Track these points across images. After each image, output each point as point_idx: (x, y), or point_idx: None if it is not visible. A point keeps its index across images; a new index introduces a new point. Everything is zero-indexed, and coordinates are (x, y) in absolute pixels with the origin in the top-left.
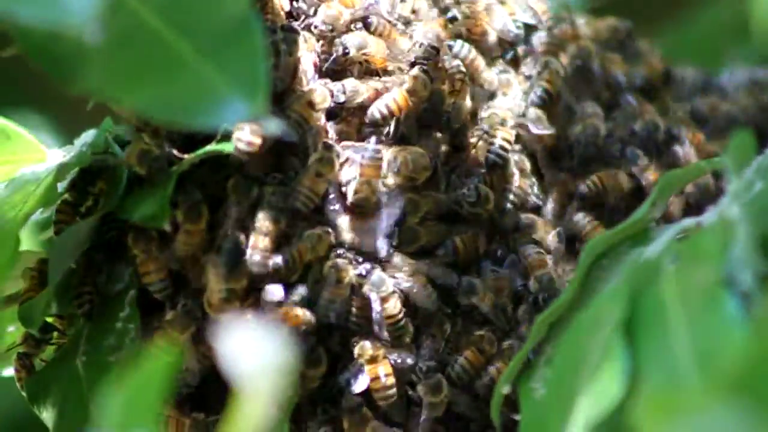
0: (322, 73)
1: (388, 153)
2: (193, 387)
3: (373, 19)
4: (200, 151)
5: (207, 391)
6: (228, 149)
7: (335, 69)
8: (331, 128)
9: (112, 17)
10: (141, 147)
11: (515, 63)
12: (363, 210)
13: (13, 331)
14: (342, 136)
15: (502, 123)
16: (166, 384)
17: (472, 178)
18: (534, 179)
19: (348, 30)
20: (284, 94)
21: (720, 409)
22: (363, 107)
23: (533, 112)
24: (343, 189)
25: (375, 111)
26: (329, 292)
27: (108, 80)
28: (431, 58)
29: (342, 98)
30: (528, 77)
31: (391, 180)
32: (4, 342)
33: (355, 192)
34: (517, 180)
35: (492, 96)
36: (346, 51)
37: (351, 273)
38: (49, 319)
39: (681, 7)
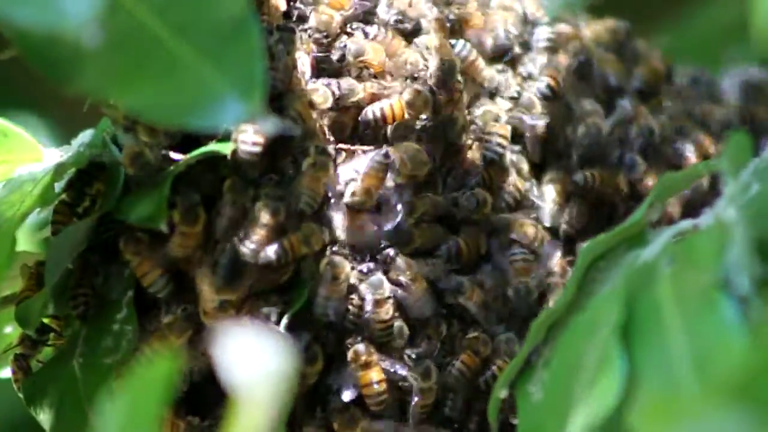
0: (320, 73)
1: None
2: (183, 390)
3: (371, 29)
4: (196, 152)
5: (202, 395)
6: (224, 150)
7: (333, 69)
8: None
9: (109, 18)
10: (134, 148)
11: (513, 63)
12: (359, 210)
13: (9, 333)
14: (335, 128)
15: (496, 119)
16: (166, 390)
17: (469, 179)
18: (533, 180)
19: (343, 31)
20: (283, 94)
21: (717, 414)
22: (359, 107)
23: (527, 97)
24: (339, 188)
25: (369, 112)
26: (326, 288)
27: (106, 81)
28: (447, 81)
29: (338, 93)
30: (527, 77)
31: (392, 182)
32: (0, 343)
33: (353, 194)
34: (514, 179)
35: (492, 95)
36: (341, 59)
37: (347, 269)
38: (46, 320)
39: (680, 7)
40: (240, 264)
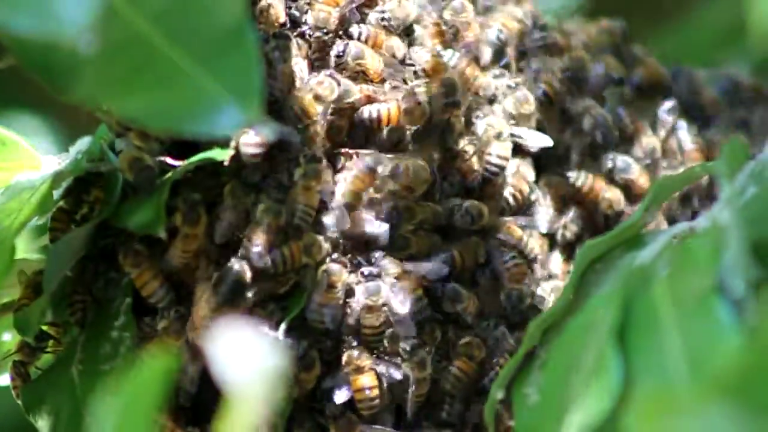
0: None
1: (388, 158)
2: (192, 393)
3: (362, 29)
4: (194, 159)
5: (202, 404)
6: (221, 156)
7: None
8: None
9: (106, 26)
10: (132, 154)
11: (508, 69)
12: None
13: (8, 340)
14: (332, 132)
15: (498, 136)
16: (161, 392)
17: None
18: (533, 186)
19: (341, 26)
20: (281, 101)
21: (711, 414)
22: (354, 108)
23: (522, 94)
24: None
25: (365, 111)
26: (321, 296)
27: (103, 89)
28: (452, 99)
29: (341, 84)
30: (522, 83)
31: (390, 185)
32: None
33: (342, 195)
34: (512, 187)
35: (489, 102)
36: (341, 54)
37: (344, 277)
38: (45, 328)
39: (677, 10)
40: (243, 285)
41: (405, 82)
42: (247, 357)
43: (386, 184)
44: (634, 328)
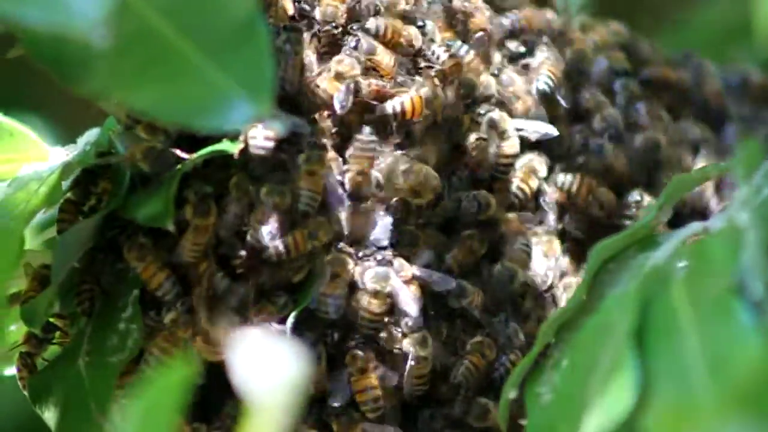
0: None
1: (398, 155)
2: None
3: (378, 22)
4: (203, 151)
5: (208, 402)
6: (231, 149)
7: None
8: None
9: (118, 20)
10: (147, 144)
11: (513, 60)
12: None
13: (15, 330)
14: (342, 127)
15: (503, 134)
16: (182, 398)
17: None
18: (542, 180)
19: (350, 20)
20: (292, 94)
21: (732, 421)
22: (362, 103)
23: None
24: (340, 178)
25: (389, 107)
26: (325, 286)
27: (114, 82)
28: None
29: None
30: (527, 70)
31: (400, 181)
32: (6, 341)
33: (349, 180)
34: (518, 181)
35: (490, 97)
36: (355, 47)
37: (350, 268)
38: (52, 319)
39: (683, 8)
40: (246, 306)
41: (409, 72)
42: (266, 365)
43: (396, 179)
44: (652, 329)
